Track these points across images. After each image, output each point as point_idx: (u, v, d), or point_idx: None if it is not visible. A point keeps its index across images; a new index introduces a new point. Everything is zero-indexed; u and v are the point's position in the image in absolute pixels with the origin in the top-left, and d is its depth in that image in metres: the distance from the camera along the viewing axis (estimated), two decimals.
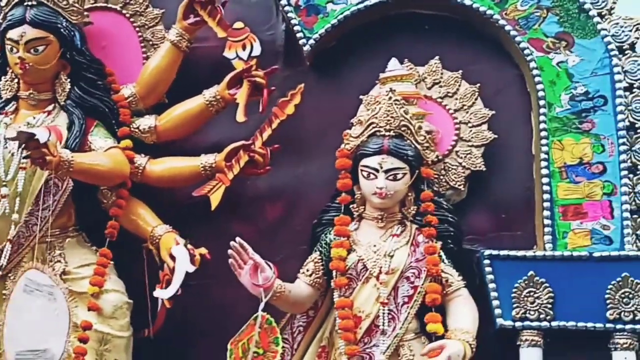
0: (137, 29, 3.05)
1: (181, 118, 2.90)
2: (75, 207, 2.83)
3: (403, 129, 2.62)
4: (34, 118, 2.79)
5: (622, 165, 2.67)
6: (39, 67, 2.76)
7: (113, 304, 2.66)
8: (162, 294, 2.58)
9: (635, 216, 2.69)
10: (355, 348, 2.50)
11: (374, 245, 2.60)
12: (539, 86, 2.76)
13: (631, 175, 2.71)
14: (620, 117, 2.70)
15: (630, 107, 2.75)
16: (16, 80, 2.85)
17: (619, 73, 2.72)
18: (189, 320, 2.81)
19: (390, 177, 2.58)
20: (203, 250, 2.67)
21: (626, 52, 2.80)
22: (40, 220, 2.71)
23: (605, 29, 2.75)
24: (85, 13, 2.90)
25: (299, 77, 3.02)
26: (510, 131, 2.84)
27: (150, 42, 3.04)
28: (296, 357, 2.72)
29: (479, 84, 2.83)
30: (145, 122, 2.92)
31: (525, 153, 2.82)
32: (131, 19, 3.06)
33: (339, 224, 2.62)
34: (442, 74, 2.85)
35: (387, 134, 2.62)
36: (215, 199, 2.78)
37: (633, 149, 2.74)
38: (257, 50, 2.84)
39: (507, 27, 2.81)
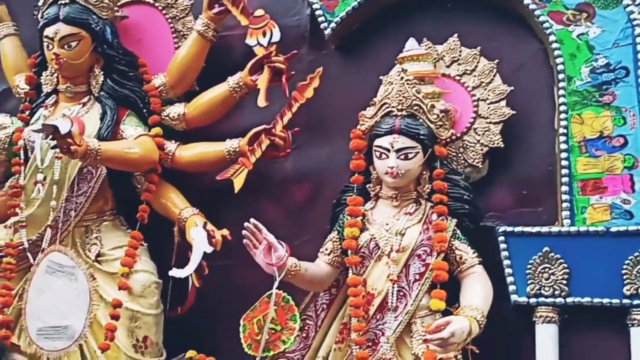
0: (169, 20, 3.18)
1: (208, 105, 3.01)
2: (112, 193, 2.98)
3: (415, 108, 2.64)
4: (70, 110, 2.96)
5: None
6: (73, 61, 2.93)
7: (142, 283, 2.80)
8: (178, 273, 2.70)
9: None
10: (363, 325, 2.54)
11: (387, 224, 2.63)
12: (559, 60, 2.71)
13: None
14: None
15: None
16: (55, 74, 3.03)
17: None
18: (215, 299, 2.92)
19: (402, 157, 2.60)
20: (225, 232, 2.77)
21: None
22: (77, 206, 2.87)
23: None
24: (116, 8, 3.04)
25: (324, 60, 3.08)
26: (532, 107, 2.80)
27: (181, 33, 3.16)
28: (320, 334, 2.78)
29: (497, 60, 2.80)
30: (175, 110, 3.04)
31: (548, 128, 2.76)
32: (163, 11, 3.19)
33: (352, 204, 2.67)
34: (460, 51, 2.84)
35: (399, 113, 2.64)
36: (238, 182, 2.88)
37: None
38: (276, 36, 2.91)
39: (526, 1, 2.77)
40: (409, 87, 2.65)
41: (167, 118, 3.04)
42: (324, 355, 2.74)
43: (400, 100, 2.64)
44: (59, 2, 2.95)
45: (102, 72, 2.99)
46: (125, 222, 3.00)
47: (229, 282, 2.97)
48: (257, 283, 2.80)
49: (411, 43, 2.80)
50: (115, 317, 2.73)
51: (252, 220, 2.60)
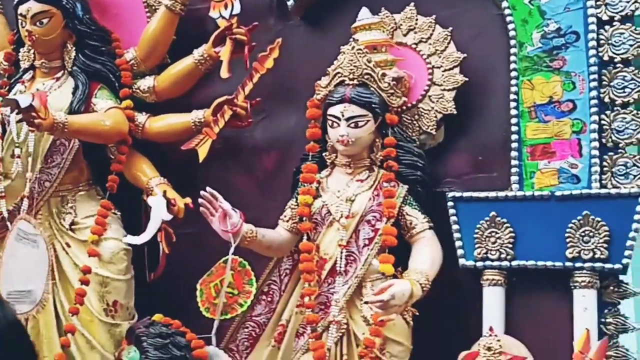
0: None
1: (175, 77, 3.10)
2: (87, 164, 3.10)
3: (366, 77, 2.69)
4: (44, 84, 3.08)
5: (592, 102, 2.60)
6: (45, 38, 3.04)
7: (111, 250, 2.93)
8: (133, 240, 2.82)
9: (610, 153, 2.62)
10: (314, 289, 2.63)
11: (339, 191, 2.70)
12: (511, 26, 2.73)
13: (608, 112, 2.64)
14: (592, 52, 2.62)
15: (610, 42, 2.67)
16: (32, 51, 3.14)
17: (592, 7, 2.63)
18: (184, 265, 3.03)
19: (352, 125, 2.66)
20: (187, 200, 2.87)
21: None
22: (51, 177, 3.00)
23: None
24: None
25: (290, 31, 3.14)
26: (488, 73, 2.82)
27: (153, 7, 3.24)
28: (284, 298, 2.88)
29: (451, 28, 2.83)
30: (145, 82, 3.14)
31: (503, 95, 2.79)
32: None
33: (306, 172, 2.75)
34: (417, 20, 2.87)
35: (350, 82, 2.70)
36: (202, 152, 2.98)
37: (611, 84, 2.65)
38: (237, 8, 2.97)
39: None
40: (359, 57, 2.70)
41: (137, 91, 3.14)
42: (287, 318, 2.84)
43: (351, 69, 2.70)
44: None
45: (74, 48, 3.09)
46: (102, 192, 3.12)
47: (199, 248, 3.07)
48: (225, 249, 2.90)
49: (364, 12, 2.84)
50: (85, 283, 2.86)
51: (208, 188, 2.70)
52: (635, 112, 2.63)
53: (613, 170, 2.61)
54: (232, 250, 2.68)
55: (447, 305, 2.68)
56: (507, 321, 2.59)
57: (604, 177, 2.61)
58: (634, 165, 2.60)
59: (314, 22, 3.15)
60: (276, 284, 2.90)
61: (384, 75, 2.70)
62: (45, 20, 3.03)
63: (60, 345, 2.84)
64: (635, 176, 2.59)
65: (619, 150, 2.62)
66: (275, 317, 2.88)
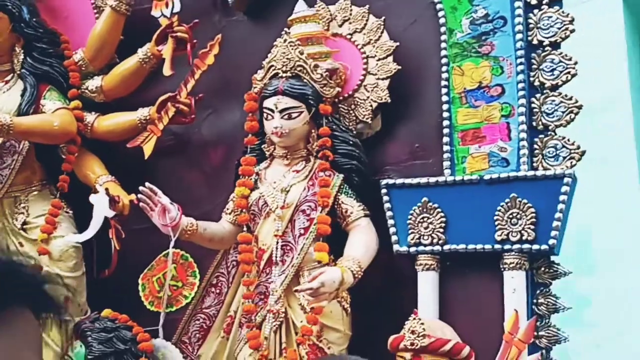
0: None
1: (121, 77, 3.16)
2: (39, 164, 3.16)
3: (299, 69, 2.73)
4: None
5: (520, 86, 2.63)
6: None
7: (60, 248, 2.99)
8: (75, 238, 2.88)
9: (541, 136, 2.65)
10: (252, 279, 2.67)
11: (275, 182, 2.75)
12: (441, 13, 2.76)
13: (538, 95, 2.67)
14: (518, 36, 2.65)
15: (538, 25, 2.69)
16: None
17: None
18: (134, 261, 3.08)
19: (286, 117, 2.71)
20: (132, 197, 2.92)
21: None
22: (2, 178, 3.07)
23: None
24: None
25: (235, 26, 3.19)
26: (421, 61, 2.85)
27: (101, 9, 3.29)
28: (232, 289, 2.93)
29: (383, 17, 2.86)
30: (93, 83, 3.20)
31: (436, 82, 2.82)
32: None
33: (244, 164, 2.80)
34: (351, 10, 2.91)
35: (284, 75, 2.74)
36: (147, 149, 3.03)
37: (541, 67, 2.68)
38: (177, 7, 3.03)
39: None
40: (292, 49, 2.74)
41: (86, 91, 3.20)
42: (235, 309, 2.89)
43: (284, 62, 2.74)
44: None
45: (22, 51, 3.15)
46: (56, 191, 3.18)
47: (150, 244, 3.12)
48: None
49: (300, 5, 2.88)
50: None
51: (147, 184, 2.75)
52: (564, 94, 2.65)
53: (544, 152, 2.63)
54: (172, 243, 2.73)
55: (386, 291, 2.72)
56: (441, 304, 2.62)
57: (534, 159, 2.64)
58: (564, 147, 2.62)
59: (256, 17, 3.19)
60: (224, 276, 2.95)
61: (316, 66, 2.74)
62: None
63: None
64: (564, 157, 2.61)
65: (549, 133, 2.64)
66: (224, 308, 2.93)
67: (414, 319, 2.33)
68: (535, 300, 2.57)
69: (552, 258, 2.61)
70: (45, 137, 3.05)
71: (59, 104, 3.11)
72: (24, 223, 3.07)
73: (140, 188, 2.75)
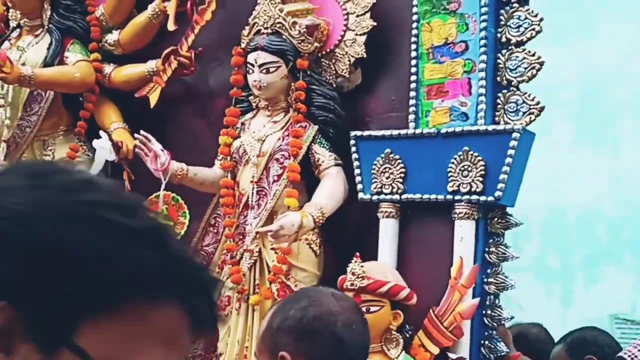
0: None
1: (133, 31, 3.44)
2: (67, 111, 3.52)
3: (278, 25, 2.92)
4: (24, 41, 3.49)
5: (482, 42, 2.72)
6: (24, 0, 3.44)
7: None
8: None
9: (504, 91, 2.74)
10: (233, 221, 2.93)
11: (254, 132, 2.97)
12: None
13: (504, 51, 2.75)
14: None
15: None
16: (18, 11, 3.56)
17: None
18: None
19: (264, 71, 2.91)
20: (135, 142, 3.22)
21: None
22: (30, 124, 3.44)
23: None
24: None
25: None
26: (397, 18, 2.97)
27: None
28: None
29: None
30: (111, 37, 3.50)
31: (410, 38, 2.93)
32: None
33: (228, 115, 3.03)
34: None
35: (264, 31, 2.94)
36: (153, 98, 3.31)
37: (508, 24, 2.76)
38: None
39: None
40: (272, 7, 2.93)
41: (105, 44, 3.50)
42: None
43: (265, 19, 2.93)
44: None
45: (49, 7, 3.47)
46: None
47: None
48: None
49: None
50: None
51: (141, 132, 3.04)
52: (527, 50, 2.72)
53: (505, 107, 2.73)
54: (163, 186, 3.01)
55: (351, 235, 2.92)
56: (400, 250, 2.79)
57: (497, 114, 2.74)
58: (524, 102, 2.70)
59: None
60: (220, 217, 3.22)
61: (294, 23, 2.91)
62: None
63: None
64: (524, 113, 2.70)
65: (511, 88, 2.73)
66: (220, 247, 3.20)
67: (355, 261, 2.52)
68: (487, 249, 2.70)
69: (508, 210, 2.72)
70: (65, 86, 3.38)
71: (80, 57, 3.43)
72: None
73: (136, 135, 3.04)
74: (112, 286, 0.74)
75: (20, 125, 3.45)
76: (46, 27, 3.49)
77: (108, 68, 3.47)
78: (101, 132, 3.24)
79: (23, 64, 3.34)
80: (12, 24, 3.61)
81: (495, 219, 2.71)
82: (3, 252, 0.74)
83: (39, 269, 0.73)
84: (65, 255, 0.74)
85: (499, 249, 2.69)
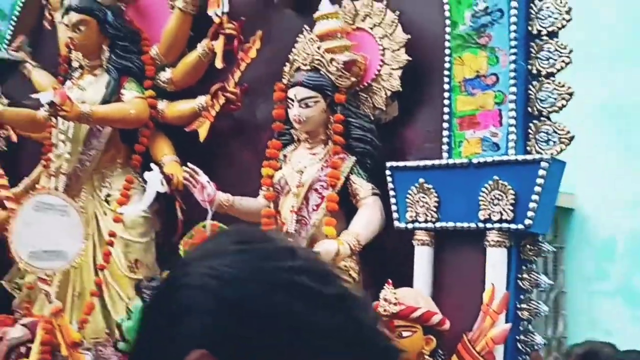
0: None
1: (185, 69, 3.64)
2: (124, 145, 3.73)
3: (317, 62, 3.07)
4: (84, 80, 3.73)
5: (511, 75, 2.80)
6: (83, 42, 3.68)
7: (131, 217, 3.53)
8: (127, 210, 3.39)
9: (535, 121, 2.82)
10: None
11: (294, 164, 3.11)
12: (446, 7, 2.97)
13: (535, 82, 2.83)
14: (513, 27, 2.82)
15: (538, 15, 2.85)
16: (80, 53, 3.81)
17: None
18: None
19: (303, 105, 3.06)
20: (185, 174, 3.39)
21: None
22: (90, 158, 3.66)
23: None
24: None
25: (286, 21, 3.55)
26: (431, 52, 3.08)
27: (174, 7, 3.77)
28: None
29: (398, 12, 3.11)
30: (165, 74, 3.71)
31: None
32: None
33: (270, 148, 3.18)
34: (372, 6, 3.18)
35: (304, 68, 3.09)
36: (202, 132, 3.50)
37: (538, 56, 2.84)
38: (226, 7, 3.44)
39: None
40: (310, 44, 3.08)
41: (159, 82, 3.70)
42: None
43: (304, 56, 3.08)
44: None
45: (108, 49, 3.70)
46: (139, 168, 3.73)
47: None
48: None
49: (323, 4, 3.19)
50: (110, 244, 3.49)
51: (189, 164, 3.21)
52: (557, 81, 2.80)
53: (536, 137, 2.80)
54: (209, 216, 3.17)
55: (387, 262, 3.01)
56: (435, 277, 2.88)
57: (529, 143, 2.82)
58: (555, 132, 2.78)
59: (302, 12, 3.52)
60: None
61: (332, 60, 3.05)
62: (82, 28, 3.66)
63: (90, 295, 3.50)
64: (555, 142, 2.77)
65: (542, 118, 2.80)
66: None
67: (387, 288, 2.62)
68: (519, 276, 2.76)
69: (539, 237, 2.78)
70: (121, 122, 3.60)
71: (135, 94, 3.64)
72: (107, 195, 3.64)
73: (184, 168, 3.21)
74: (302, 344, 0.85)
75: (81, 159, 3.67)
76: (105, 67, 3.72)
77: (161, 104, 3.67)
78: (152, 165, 3.42)
79: (83, 102, 3.57)
80: (75, 64, 3.85)
81: (527, 246, 2.77)
82: (210, 307, 0.86)
83: (239, 324, 0.85)
84: (264, 314, 0.85)
85: (531, 275, 2.75)
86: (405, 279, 2.89)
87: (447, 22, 2.96)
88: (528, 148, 2.81)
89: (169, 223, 3.67)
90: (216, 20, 3.49)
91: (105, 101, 3.62)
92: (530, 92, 2.83)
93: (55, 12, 4.07)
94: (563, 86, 2.78)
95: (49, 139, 3.74)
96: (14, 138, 4.22)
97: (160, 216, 3.69)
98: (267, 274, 0.87)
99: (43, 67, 4.09)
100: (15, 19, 4.41)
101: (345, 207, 3.06)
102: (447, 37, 2.95)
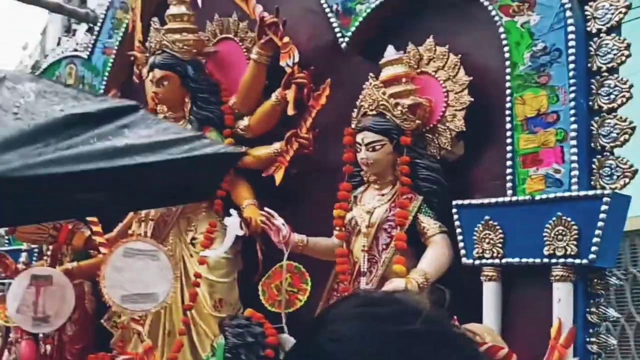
0: (244, 50, 4.04)
1: (260, 116, 3.84)
2: None
3: (382, 107, 3.21)
4: None
5: (572, 112, 2.87)
6: (167, 96, 3.94)
7: (214, 259, 3.73)
8: (210, 253, 3.58)
9: (598, 156, 2.87)
10: (347, 287, 3.19)
11: (364, 205, 3.25)
12: (506, 48, 3.07)
13: (597, 118, 2.89)
14: (571, 66, 2.89)
15: (597, 53, 2.91)
16: (163, 105, 4.07)
17: (571, 25, 2.90)
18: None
19: (370, 149, 3.20)
20: (262, 217, 3.57)
21: None
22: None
23: None
24: (194, 50, 3.97)
25: (354, 67, 3.71)
26: (493, 92, 3.17)
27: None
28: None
29: (460, 55, 3.22)
30: (242, 122, 3.92)
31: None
32: (240, 44, 4.06)
33: (341, 189, 3.32)
34: (435, 50, 3.31)
35: (370, 113, 3.23)
36: (278, 177, 3.68)
37: (599, 92, 2.90)
38: (296, 58, 3.63)
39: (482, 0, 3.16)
40: (376, 90, 3.22)
41: (237, 129, 3.92)
42: None
43: (370, 102, 3.23)
44: (155, 53, 3.97)
45: (190, 101, 3.95)
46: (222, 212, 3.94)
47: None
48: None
49: (388, 51, 3.33)
50: (196, 285, 3.70)
51: (265, 208, 3.39)
52: (619, 116, 2.85)
53: (600, 172, 2.85)
54: (285, 256, 3.33)
55: (461, 299, 3.09)
56: (503, 311, 2.94)
57: (592, 178, 2.87)
58: (618, 166, 2.82)
59: (371, 58, 3.67)
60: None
61: (397, 104, 3.18)
62: (165, 83, 3.93)
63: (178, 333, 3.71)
64: (618, 176, 2.81)
65: (605, 153, 2.85)
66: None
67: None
68: (588, 309, 2.80)
69: (606, 270, 2.81)
70: None
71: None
72: (193, 239, 3.86)
73: (260, 212, 3.39)
74: None
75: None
76: (187, 118, 3.96)
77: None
78: (232, 211, 3.61)
79: None
80: (160, 116, 4.10)
81: (595, 280, 2.80)
82: None
83: None
84: None
85: (600, 309, 2.78)
86: (474, 315, 2.96)
87: (507, 63, 3.05)
88: (592, 183, 2.85)
89: (252, 263, 3.84)
90: (288, 70, 3.67)
91: None
92: (592, 128, 2.88)
93: (142, 67, 4.35)
94: (625, 121, 2.82)
95: None
96: None
97: (243, 257, 3.88)
98: (386, 336, 0.88)
99: None
100: (107, 74, 4.74)
101: (415, 246, 3.16)
102: (508, 77, 3.04)
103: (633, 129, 2.81)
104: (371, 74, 3.29)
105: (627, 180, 2.78)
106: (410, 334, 0.88)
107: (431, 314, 0.91)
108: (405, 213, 3.11)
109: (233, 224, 3.51)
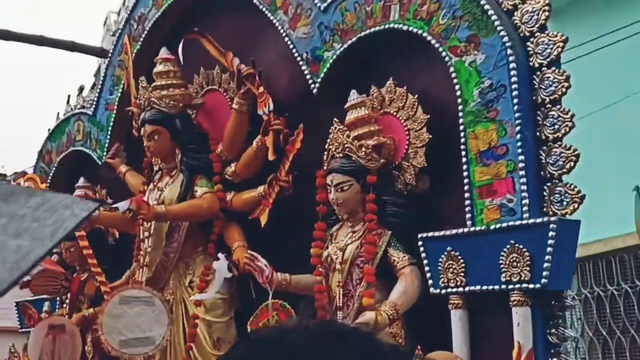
0: (228, 100, 4.27)
1: (245, 162, 4.06)
2: (203, 234, 4.19)
3: (347, 149, 3.41)
4: (162, 182, 4.23)
5: (519, 144, 3.04)
6: (158, 149, 4.19)
7: (210, 300, 3.95)
8: (200, 296, 3.80)
9: (549, 184, 3.03)
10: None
11: (338, 242, 3.44)
12: (457, 87, 3.25)
13: (545, 148, 3.06)
14: (515, 100, 3.06)
15: (541, 86, 3.08)
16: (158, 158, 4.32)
17: (513, 62, 3.07)
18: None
19: (339, 190, 3.40)
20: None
21: (536, 35, 3.12)
22: (172, 250, 4.13)
23: (501, 26, 3.12)
24: (181, 104, 4.22)
25: (328, 112, 3.91)
26: (449, 129, 3.35)
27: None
28: None
29: (417, 95, 3.41)
30: (230, 169, 4.15)
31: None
32: (225, 94, 4.30)
33: (317, 229, 3.52)
34: (395, 91, 3.50)
35: (337, 155, 3.44)
36: (263, 219, 3.89)
37: (544, 123, 3.07)
38: (271, 106, 3.85)
39: (433, 41, 3.35)
40: (341, 134, 3.42)
41: (225, 176, 4.15)
42: None
43: (336, 145, 3.43)
44: (145, 110, 4.22)
45: (179, 152, 4.19)
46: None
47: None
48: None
49: (352, 95, 3.53)
50: (194, 326, 3.92)
51: (248, 251, 3.61)
52: (564, 145, 3.01)
53: (551, 198, 3.01)
54: (270, 294, 3.54)
55: (432, 327, 3.26)
56: (472, 338, 3.10)
57: (544, 205, 3.02)
58: (566, 192, 2.97)
59: (340, 101, 3.87)
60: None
61: (360, 146, 3.38)
62: (156, 137, 4.18)
63: None
64: (568, 202, 2.97)
65: (554, 181, 3.01)
66: None
67: (416, 355, 2.87)
68: (549, 331, 2.95)
69: (562, 293, 2.96)
70: (195, 217, 4.05)
71: (206, 189, 4.09)
72: (191, 282, 4.09)
73: (244, 254, 3.61)
74: None
75: (165, 252, 4.14)
76: (178, 168, 4.20)
77: (229, 195, 4.10)
78: (220, 255, 3.83)
79: (162, 202, 4.05)
80: (155, 168, 4.36)
81: (553, 302, 2.95)
82: None
83: None
84: None
85: (559, 330, 2.93)
86: (446, 343, 3.12)
87: (459, 100, 3.23)
88: (545, 210, 3.01)
89: (249, 301, 4.05)
90: (265, 117, 3.89)
91: (181, 199, 4.09)
92: (541, 157, 3.04)
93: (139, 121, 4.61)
94: (569, 149, 2.98)
95: (139, 236, 4.25)
96: (116, 235, 4.80)
97: (239, 296, 4.09)
98: None
99: (137, 170, 4.62)
100: (111, 129, 5.02)
101: (388, 279, 3.34)
102: (460, 114, 3.21)
103: (577, 156, 2.96)
104: (335, 119, 3.49)
105: (576, 205, 2.93)
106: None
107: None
108: (373, 248, 3.29)
109: (221, 268, 3.73)
